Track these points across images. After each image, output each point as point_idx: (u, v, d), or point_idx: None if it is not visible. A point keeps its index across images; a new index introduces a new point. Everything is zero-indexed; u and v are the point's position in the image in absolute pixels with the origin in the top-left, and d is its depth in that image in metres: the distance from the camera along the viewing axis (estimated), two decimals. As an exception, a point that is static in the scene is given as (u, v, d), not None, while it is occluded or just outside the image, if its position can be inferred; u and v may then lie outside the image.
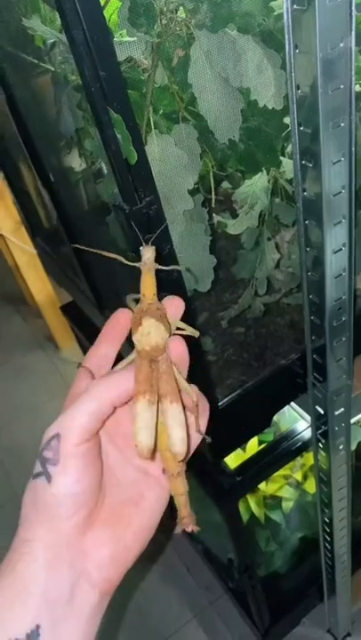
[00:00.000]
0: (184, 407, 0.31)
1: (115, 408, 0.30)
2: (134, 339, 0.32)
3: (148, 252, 0.33)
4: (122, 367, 0.33)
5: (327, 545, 0.84)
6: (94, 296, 0.77)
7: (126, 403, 0.31)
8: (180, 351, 0.33)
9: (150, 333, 0.32)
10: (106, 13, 0.43)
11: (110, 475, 0.32)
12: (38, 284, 1.75)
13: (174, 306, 0.34)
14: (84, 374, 0.34)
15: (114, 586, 0.30)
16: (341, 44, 0.38)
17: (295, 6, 0.37)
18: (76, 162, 0.58)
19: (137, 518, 0.32)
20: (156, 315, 0.32)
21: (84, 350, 1.16)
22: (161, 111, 0.43)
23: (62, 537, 0.28)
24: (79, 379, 0.34)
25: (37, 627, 0.27)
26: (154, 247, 0.33)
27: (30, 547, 0.28)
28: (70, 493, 0.28)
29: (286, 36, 0.38)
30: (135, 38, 0.37)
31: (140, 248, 0.33)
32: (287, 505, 0.96)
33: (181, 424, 0.30)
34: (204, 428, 0.33)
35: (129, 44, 0.37)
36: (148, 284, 0.33)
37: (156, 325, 0.32)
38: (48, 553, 0.28)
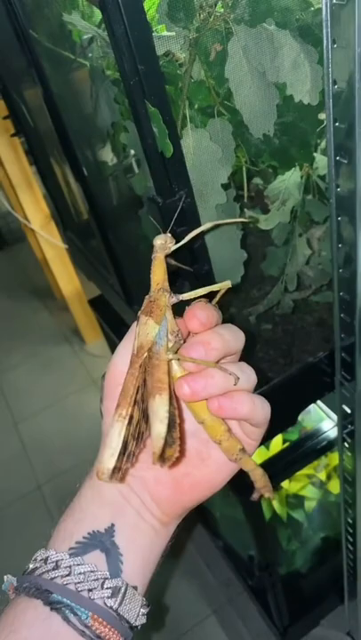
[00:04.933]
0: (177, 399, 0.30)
1: None
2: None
3: (158, 240, 0.32)
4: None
5: (349, 546, 0.83)
6: (123, 290, 0.78)
7: None
8: (194, 326, 0.30)
9: (138, 334, 0.31)
10: (145, 5, 0.43)
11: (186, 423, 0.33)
12: (66, 277, 1.77)
13: (194, 318, 0.30)
14: None
15: (171, 521, 0.33)
16: (381, 39, 0.38)
17: (334, 1, 0.37)
18: (109, 156, 0.59)
19: (199, 472, 0.33)
20: (148, 309, 0.31)
21: (111, 344, 1.18)
22: (196, 105, 0.43)
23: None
24: None
25: (113, 525, 0.31)
26: (167, 235, 0.32)
27: None
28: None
29: (324, 31, 0.38)
30: (173, 33, 0.38)
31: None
32: (310, 504, 0.95)
33: (161, 419, 0.28)
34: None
35: (167, 39, 0.38)
36: (153, 272, 0.32)
37: (143, 323, 0.31)
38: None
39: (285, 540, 0.99)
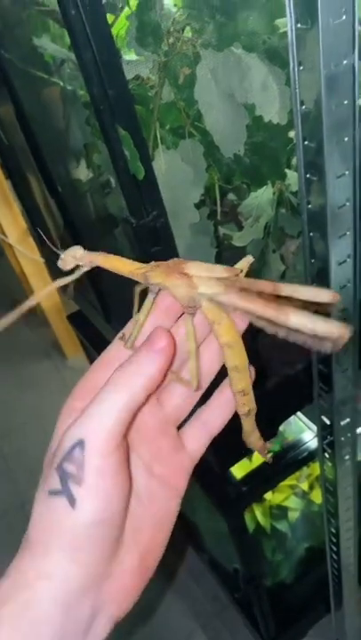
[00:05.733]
0: None
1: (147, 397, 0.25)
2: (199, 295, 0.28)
3: (74, 253, 0.29)
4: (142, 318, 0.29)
5: (334, 556, 0.84)
6: (101, 306, 0.78)
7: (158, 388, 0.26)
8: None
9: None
10: (114, 30, 0.44)
11: (132, 486, 0.27)
12: (45, 292, 1.76)
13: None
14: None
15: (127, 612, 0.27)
16: (345, 62, 0.39)
17: (299, 25, 0.38)
18: (83, 174, 0.59)
19: (159, 537, 0.28)
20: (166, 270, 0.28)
21: (91, 359, 1.17)
22: (168, 127, 0.44)
23: (88, 572, 0.24)
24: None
25: None
26: (75, 247, 0.30)
27: (49, 580, 0.23)
28: (98, 521, 0.23)
29: (290, 54, 0.39)
30: (143, 57, 0.38)
31: (62, 258, 0.30)
32: (293, 515, 0.95)
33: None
34: None
35: (137, 63, 0.38)
36: (119, 265, 0.29)
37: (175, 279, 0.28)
38: (69, 589, 0.23)
39: (270, 552, 0.99)
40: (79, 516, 0.23)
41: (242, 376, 0.30)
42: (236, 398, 0.30)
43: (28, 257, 1.66)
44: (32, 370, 1.91)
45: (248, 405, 0.31)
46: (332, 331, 0.25)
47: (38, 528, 0.24)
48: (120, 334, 0.30)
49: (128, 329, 0.30)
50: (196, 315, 0.29)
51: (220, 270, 0.28)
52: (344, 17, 0.37)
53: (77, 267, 0.30)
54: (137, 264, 0.30)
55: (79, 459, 0.23)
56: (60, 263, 0.30)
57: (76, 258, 0.29)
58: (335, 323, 0.25)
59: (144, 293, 0.30)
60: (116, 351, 0.29)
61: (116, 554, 0.25)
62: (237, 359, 0.29)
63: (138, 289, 0.30)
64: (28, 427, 1.68)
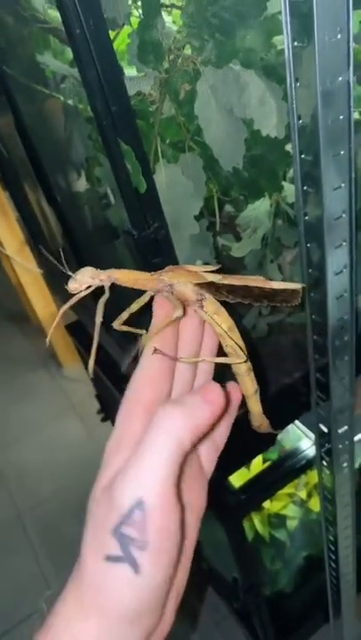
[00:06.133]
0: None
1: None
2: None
3: (89, 273, 0.31)
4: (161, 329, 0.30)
5: (332, 564, 0.84)
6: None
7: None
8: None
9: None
10: (114, 46, 0.45)
11: None
12: (42, 302, 1.77)
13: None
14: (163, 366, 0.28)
15: None
16: (340, 78, 0.40)
17: (296, 43, 0.39)
18: (84, 187, 0.60)
19: (187, 566, 0.27)
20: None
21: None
22: (168, 141, 0.45)
23: (145, 631, 0.23)
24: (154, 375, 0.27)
25: None
26: (86, 267, 0.31)
27: None
28: (162, 582, 0.22)
29: (288, 71, 0.40)
30: (144, 73, 0.39)
31: (75, 279, 0.31)
32: (292, 523, 0.96)
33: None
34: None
35: (138, 79, 0.39)
36: (132, 279, 0.32)
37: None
38: None
39: (269, 560, 0.99)
40: (144, 582, 0.21)
41: (233, 335, 0.34)
42: (244, 380, 0.34)
43: (25, 268, 1.67)
44: (28, 380, 1.91)
45: (255, 382, 0.35)
46: (297, 286, 0.34)
47: (96, 594, 0.22)
48: (151, 349, 0.29)
49: (155, 342, 0.30)
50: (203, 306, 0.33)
51: (210, 266, 0.34)
52: (339, 35, 0.38)
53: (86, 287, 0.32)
54: (147, 274, 0.33)
55: (140, 522, 0.21)
56: (71, 284, 0.31)
57: (92, 278, 0.31)
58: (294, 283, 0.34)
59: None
60: (150, 365, 0.28)
61: (167, 603, 0.24)
62: (239, 341, 0.34)
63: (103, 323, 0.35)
64: (25, 438, 1.68)
